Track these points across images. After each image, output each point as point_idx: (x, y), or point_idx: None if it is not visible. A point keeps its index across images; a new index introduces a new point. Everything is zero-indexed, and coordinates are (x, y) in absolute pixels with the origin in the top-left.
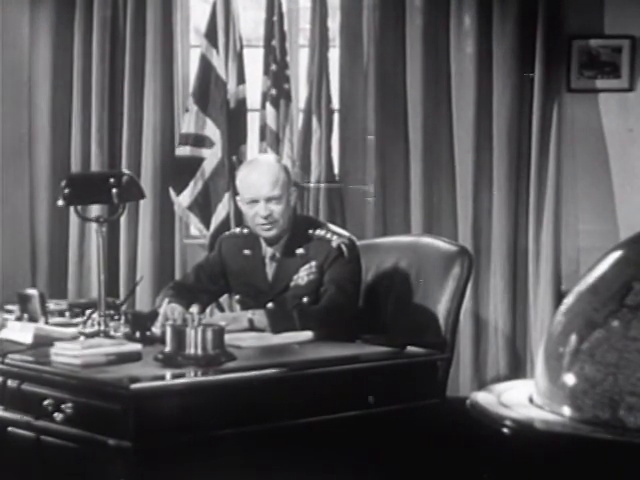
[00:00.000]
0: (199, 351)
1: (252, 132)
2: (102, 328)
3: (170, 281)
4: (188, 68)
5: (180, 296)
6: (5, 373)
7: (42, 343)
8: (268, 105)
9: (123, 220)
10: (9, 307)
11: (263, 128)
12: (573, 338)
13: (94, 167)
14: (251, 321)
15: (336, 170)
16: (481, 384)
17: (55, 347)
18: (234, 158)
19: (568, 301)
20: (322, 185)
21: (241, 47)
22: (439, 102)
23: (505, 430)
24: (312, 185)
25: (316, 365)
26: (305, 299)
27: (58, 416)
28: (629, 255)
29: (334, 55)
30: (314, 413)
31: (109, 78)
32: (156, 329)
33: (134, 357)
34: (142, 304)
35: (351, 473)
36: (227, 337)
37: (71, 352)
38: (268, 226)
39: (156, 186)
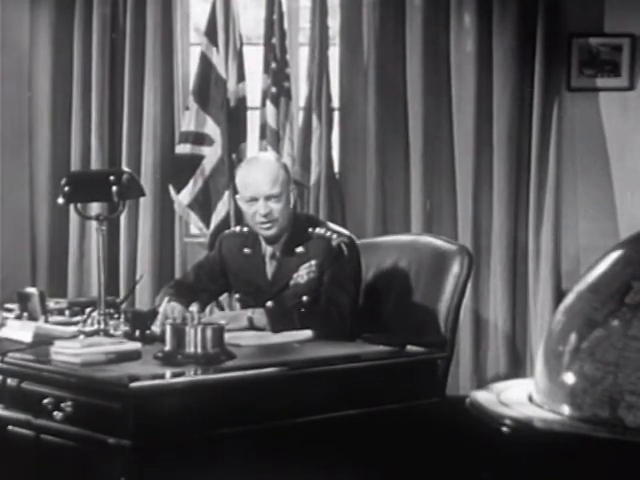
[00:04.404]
0: (199, 350)
1: (252, 130)
2: (102, 327)
3: (170, 280)
4: (188, 66)
5: (180, 295)
6: (5, 372)
7: (42, 342)
8: (268, 103)
9: (123, 218)
10: (9, 306)
11: (263, 126)
12: (573, 337)
13: (94, 165)
14: (251, 320)
15: (336, 168)
16: (481, 383)
17: (55, 346)
18: (234, 156)
19: (568, 300)
20: (322, 183)
21: (241, 45)
22: (439, 101)
23: (505, 429)
24: (312, 183)
25: (316, 364)
26: (305, 298)
27: (58, 415)
28: (629, 254)
29: (334, 53)
30: (314, 412)
31: (109, 76)
32: (156, 328)
33: (134, 356)
34: (142, 303)
35: (351, 473)
36: (227, 336)
37: (71, 351)
38: (268, 224)
39: (156, 184)
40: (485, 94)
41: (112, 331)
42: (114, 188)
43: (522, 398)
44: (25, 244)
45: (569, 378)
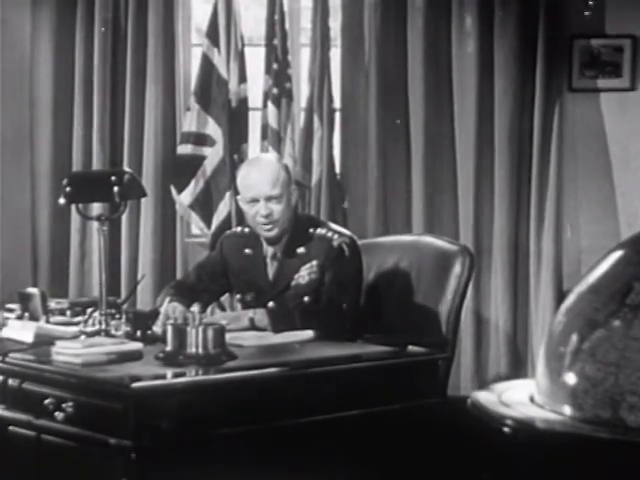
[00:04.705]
0: (200, 350)
1: (253, 131)
2: (103, 327)
3: (171, 280)
4: (189, 67)
5: (181, 295)
6: (6, 372)
7: (43, 342)
8: (269, 104)
9: (124, 219)
10: (10, 306)
11: (264, 127)
12: (574, 337)
13: (95, 165)
14: (252, 320)
15: (337, 169)
16: (482, 383)
17: (56, 346)
18: (235, 157)
19: (569, 301)
20: (323, 184)
21: (242, 46)
22: (440, 102)
23: (506, 429)
24: (313, 184)
25: (317, 364)
26: (306, 298)
27: (59, 415)
28: (630, 255)
29: (335, 54)
30: (314, 412)
31: (110, 77)
32: (157, 328)
33: (135, 356)
34: (143, 303)
35: (352, 473)
36: (228, 336)
37: (72, 351)
38: (269, 226)
39: (157, 185)
40: (486, 95)
41: (113, 331)
42: (115, 188)
43: (523, 398)
44: (26, 244)
45: (570, 379)
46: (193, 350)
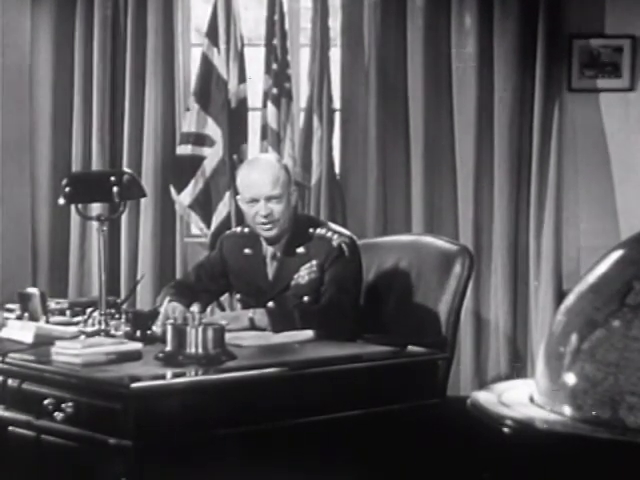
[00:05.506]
0: (200, 350)
1: (253, 131)
2: (103, 327)
3: (171, 280)
4: (189, 67)
5: (181, 295)
6: (6, 372)
7: (43, 342)
8: (269, 104)
9: (124, 219)
10: (10, 306)
11: (264, 127)
12: (574, 337)
13: (95, 166)
14: (252, 320)
15: (337, 169)
16: (482, 383)
17: (56, 346)
18: (235, 157)
19: (569, 300)
20: (323, 184)
21: (242, 46)
22: (440, 101)
23: (506, 429)
24: (313, 184)
25: (317, 364)
26: (306, 298)
27: (58, 415)
28: (630, 254)
29: (335, 54)
30: (314, 413)
31: (110, 77)
32: (157, 328)
33: (135, 356)
34: (143, 303)
35: (352, 473)
36: (228, 336)
37: (72, 351)
38: (269, 225)
39: (157, 185)
40: (486, 95)
41: (113, 331)
42: (115, 189)
43: (523, 399)
44: (26, 244)
45: (570, 379)
46: (193, 350)
